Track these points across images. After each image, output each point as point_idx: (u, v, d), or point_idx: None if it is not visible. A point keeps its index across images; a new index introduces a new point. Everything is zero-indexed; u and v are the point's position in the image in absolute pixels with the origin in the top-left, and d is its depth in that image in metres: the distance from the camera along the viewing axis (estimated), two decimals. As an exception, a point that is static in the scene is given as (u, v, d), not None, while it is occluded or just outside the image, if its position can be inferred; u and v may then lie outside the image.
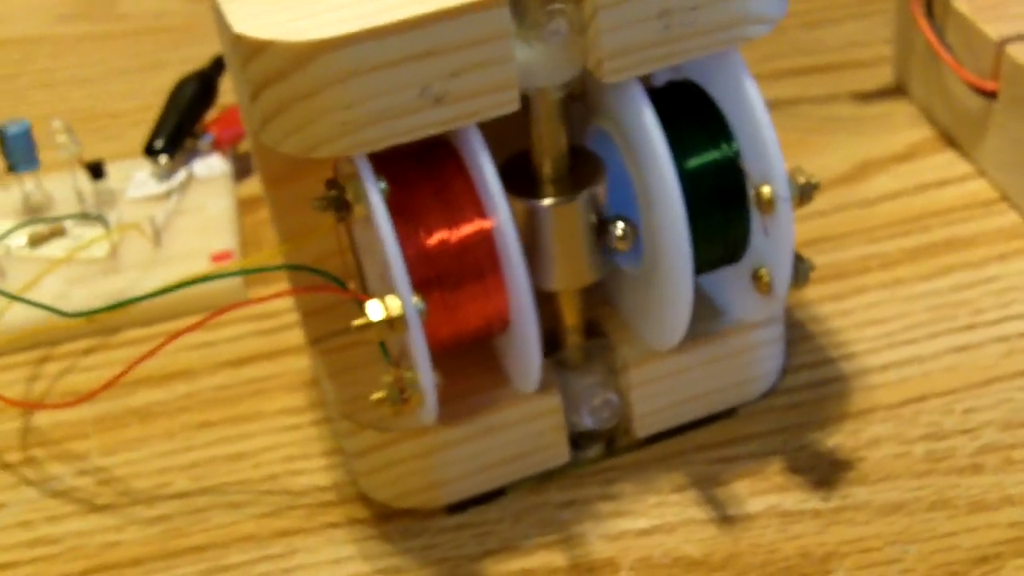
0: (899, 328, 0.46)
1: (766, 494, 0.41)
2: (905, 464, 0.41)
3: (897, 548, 0.39)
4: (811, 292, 0.48)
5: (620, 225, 0.37)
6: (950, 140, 0.55)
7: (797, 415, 0.43)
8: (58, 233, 0.53)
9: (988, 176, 0.52)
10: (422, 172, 0.36)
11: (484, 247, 0.36)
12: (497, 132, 0.36)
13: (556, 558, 0.40)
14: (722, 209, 0.38)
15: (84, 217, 0.53)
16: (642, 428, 0.42)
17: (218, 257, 0.52)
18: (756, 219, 0.38)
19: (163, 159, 0.55)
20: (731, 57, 0.36)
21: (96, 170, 0.54)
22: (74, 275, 0.51)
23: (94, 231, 0.53)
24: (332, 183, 0.35)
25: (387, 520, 0.42)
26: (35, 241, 0.53)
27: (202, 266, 0.51)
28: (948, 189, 0.52)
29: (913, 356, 0.45)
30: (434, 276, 0.36)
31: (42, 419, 0.47)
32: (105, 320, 0.49)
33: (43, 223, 0.53)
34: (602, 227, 0.37)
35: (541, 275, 0.38)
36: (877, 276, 0.48)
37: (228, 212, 0.54)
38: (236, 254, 0.52)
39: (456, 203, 0.36)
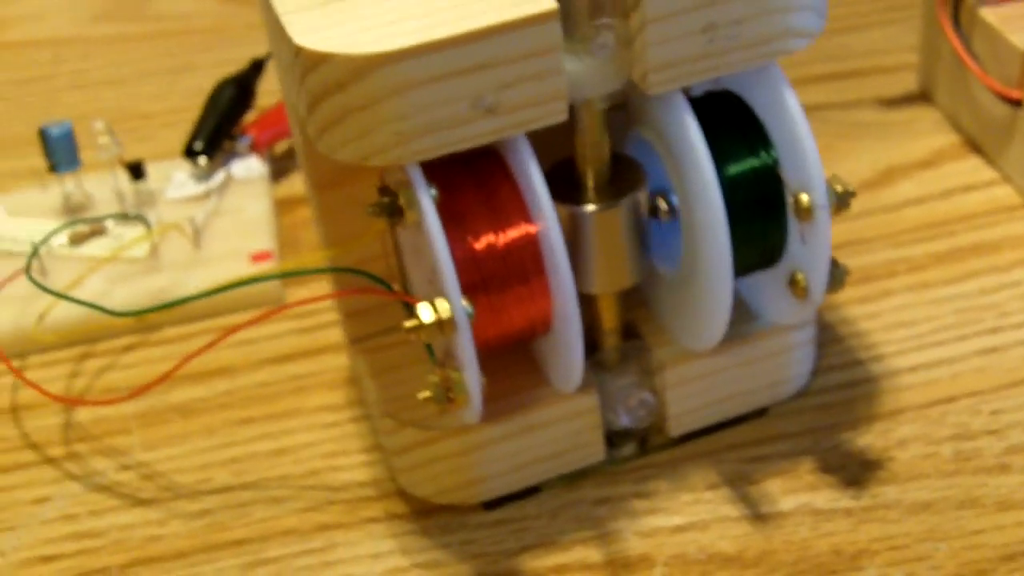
0: (927, 331, 0.47)
1: (798, 492, 0.42)
2: (934, 464, 0.42)
3: (927, 546, 0.40)
4: (840, 295, 0.48)
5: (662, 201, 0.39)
6: (975, 147, 0.55)
7: (828, 415, 0.44)
8: (98, 232, 0.54)
9: (1013, 182, 0.53)
10: (469, 178, 0.37)
11: (529, 251, 0.37)
12: (540, 139, 0.36)
13: (592, 554, 0.41)
14: (760, 216, 0.38)
15: (124, 217, 0.54)
16: (676, 427, 0.43)
17: (258, 257, 0.52)
18: (793, 225, 0.38)
19: (202, 160, 0.56)
20: (771, 69, 0.37)
21: (136, 170, 0.55)
22: (115, 274, 0.52)
23: (133, 231, 0.54)
24: (385, 190, 0.36)
25: (426, 516, 0.42)
26: (76, 240, 0.54)
27: (241, 266, 0.52)
28: (973, 195, 0.53)
29: (941, 358, 0.46)
30: (481, 280, 0.37)
31: (84, 415, 0.48)
32: (146, 318, 0.50)
33: (85, 223, 0.54)
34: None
35: (582, 279, 0.39)
36: (904, 280, 0.49)
37: (266, 213, 0.55)
38: (275, 255, 0.53)
39: (503, 209, 0.37)
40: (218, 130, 0.57)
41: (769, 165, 0.38)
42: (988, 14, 0.52)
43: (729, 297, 0.38)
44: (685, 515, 0.41)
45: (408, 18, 0.33)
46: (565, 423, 0.41)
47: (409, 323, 0.35)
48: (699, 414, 0.43)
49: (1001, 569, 0.39)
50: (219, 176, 0.57)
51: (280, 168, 0.59)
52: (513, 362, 0.42)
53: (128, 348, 0.51)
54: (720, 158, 0.38)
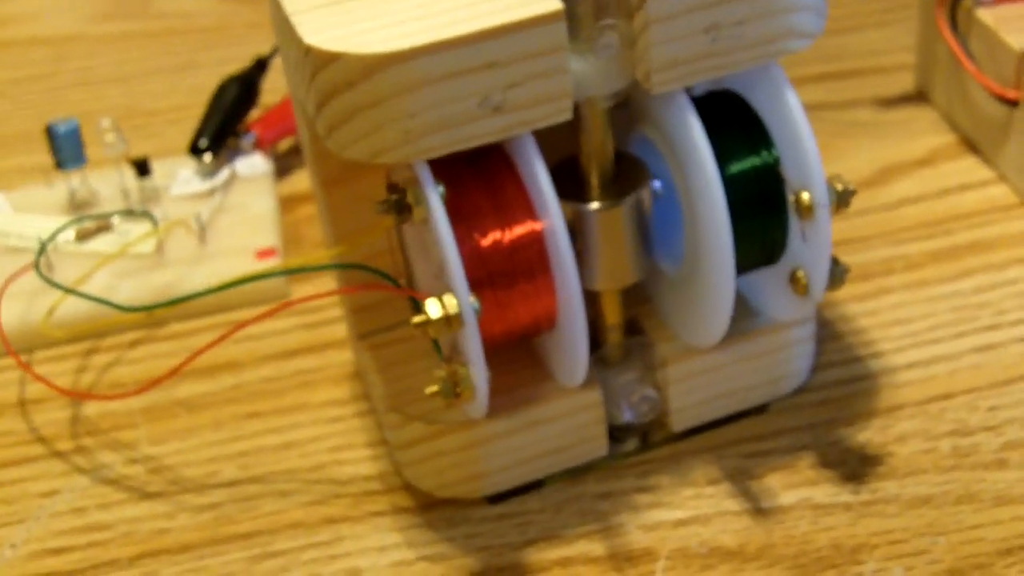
0: (924, 328, 0.47)
1: (798, 487, 0.42)
2: (932, 459, 0.42)
3: (925, 540, 0.40)
4: (838, 293, 0.48)
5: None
6: (971, 146, 0.56)
7: (827, 411, 0.45)
8: (105, 229, 0.54)
9: (1009, 181, 0.53)
10: (476, 176, 0.38)
11: (535, 248, 0.37)
12: (545, 137, 0.37)
13: (595, 547, 0.41)
14: (762, 213, 0.39)
15: (130, 213, 0.55)
16: (678, 422, 0.43)
17: (263, 254, 0.53)
18: (794, 223, 0.39)
19: (207, 157, 0.56)
20: (772, 69, 0.38)
21: (142, 167, 0.55)
22: (122, 270, 0.53)
23: (139, 227, 0.54)
24: (393, 187, 0.36)
25: (430, 509, 0.43)
26: (82, 236, 0.54)
27: (247, 262, 0.53)
28: (969, 194, 0.54)
29: (938, 355, 0.46)
30: (487, 276, 0.37)
31: (91, 409, 0.48)
32: (152, 314, 0.50)
33: (91, 219, 0.54)
34: None
35: (586, 275, 0.39)
36: (901, 277, 0.50)
37: (271, 210, 0.55)
38: (279, 251, 0.53)
39: (509, 206, 0.37)
40: (223, 127, 0.58)
41: (770, 164, 0.39)
42: (984, 15, 0.53)
43: (731, 294, 0.38)
44: (687, 509, 0.42)
45: (416, 18, 0.33)
46: (569, 418, 0.41)
47: (417, 319, 0.36)
48: (701, 409, 0.43)
49: (999, 563, 0.39)
50: (224, 173, 0.57)
51: (284, 165, 0.59)
52: (517, 357, 0.42)
53: (135, 343, 0.51)
54: (722, 156, 0.38)
